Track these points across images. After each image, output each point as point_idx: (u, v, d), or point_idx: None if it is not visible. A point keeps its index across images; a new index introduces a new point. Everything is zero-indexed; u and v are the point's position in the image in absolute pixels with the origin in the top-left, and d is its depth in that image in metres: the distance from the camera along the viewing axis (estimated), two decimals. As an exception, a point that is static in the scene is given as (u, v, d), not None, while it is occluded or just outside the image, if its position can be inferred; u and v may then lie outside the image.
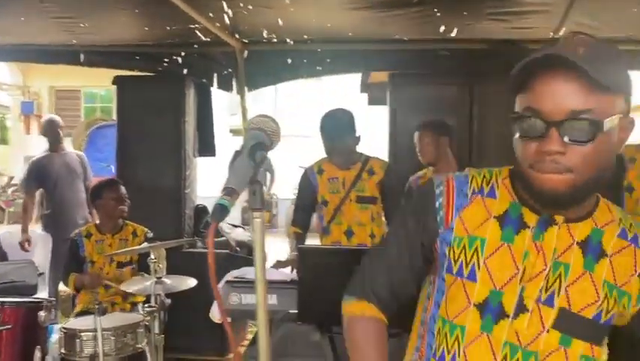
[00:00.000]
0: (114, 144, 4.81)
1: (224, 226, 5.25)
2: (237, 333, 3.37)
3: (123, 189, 3.83)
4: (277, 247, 6.33)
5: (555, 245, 1.16)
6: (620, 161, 2.51)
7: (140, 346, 2.91)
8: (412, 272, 1.28)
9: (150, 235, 3.81)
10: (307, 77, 4.93)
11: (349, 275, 1.36)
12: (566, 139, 1.06)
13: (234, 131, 11.68)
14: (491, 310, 1.17)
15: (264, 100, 12.15)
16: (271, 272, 2.96)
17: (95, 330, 2.74)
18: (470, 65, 4.34)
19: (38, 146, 6.29)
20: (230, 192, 1.12)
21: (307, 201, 3.47)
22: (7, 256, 5.31)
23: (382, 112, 4.51)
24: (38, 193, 5.26)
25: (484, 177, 1.25)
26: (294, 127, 11.96)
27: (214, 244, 1.11)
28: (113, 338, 2.81)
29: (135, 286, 3.10)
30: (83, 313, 3.45)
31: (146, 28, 4.24)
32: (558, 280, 1.16)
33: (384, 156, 4.10)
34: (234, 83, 4.73)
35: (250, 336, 4.08)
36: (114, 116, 6.91)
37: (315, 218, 3.53)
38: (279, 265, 3.23)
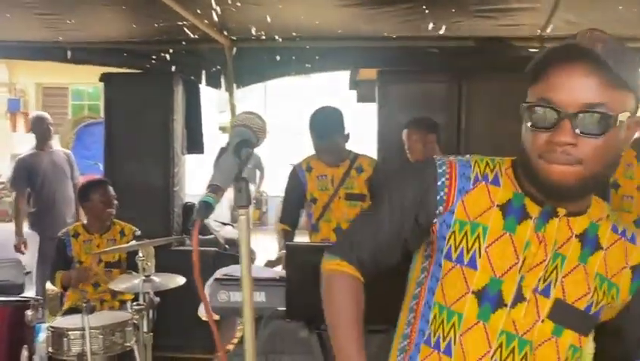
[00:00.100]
0: (102, 142, 4.77)
1: (212, 223, 5.23)
2: (227, 331, 3.36)
3: (111, 189, 3.78)
4: (267, 245, 6.30)
5: (556, 237, 1.18)
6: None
7: (128, 344, 2.90)
8: (399, 241, 1.27)
9: (138, 233, 3.78)
10: (296, 75, 4.94)
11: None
12: (577, 131, 1.07)
13: (223, 129, 11.64)
14: (489, 299, 1.18)
15: (253, 97, 12.10)
16: (261, 270, 2.95)
17: (82, 329, 2.73)
18: (458, 62, 4.35)
19: (25, 144, 6.23)
20: (215, 189, 1.11)
21: (296, 199, 3.45)
22: (-7, 255, 5.25)
23: (371, 109, 4.52)
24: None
25: (488, 164, 1.25)
26: (284, 124, 11.94)
27: (202, 242, 1.11)
28: (101, 336, 2.80)
29: (124, 284, 3.09)
30: (72, 310, 3.43)
31: (134, 25, 4.22)
32: (555, 272, 1.18)
33: (373, 153, 4.11)
34: (223, 81, 4.71)
35: (240, 334, 4.07)
36: (102, 114, 6.86)
37: (303, 215, 3.53)
38: (270, 265, 3.23)
